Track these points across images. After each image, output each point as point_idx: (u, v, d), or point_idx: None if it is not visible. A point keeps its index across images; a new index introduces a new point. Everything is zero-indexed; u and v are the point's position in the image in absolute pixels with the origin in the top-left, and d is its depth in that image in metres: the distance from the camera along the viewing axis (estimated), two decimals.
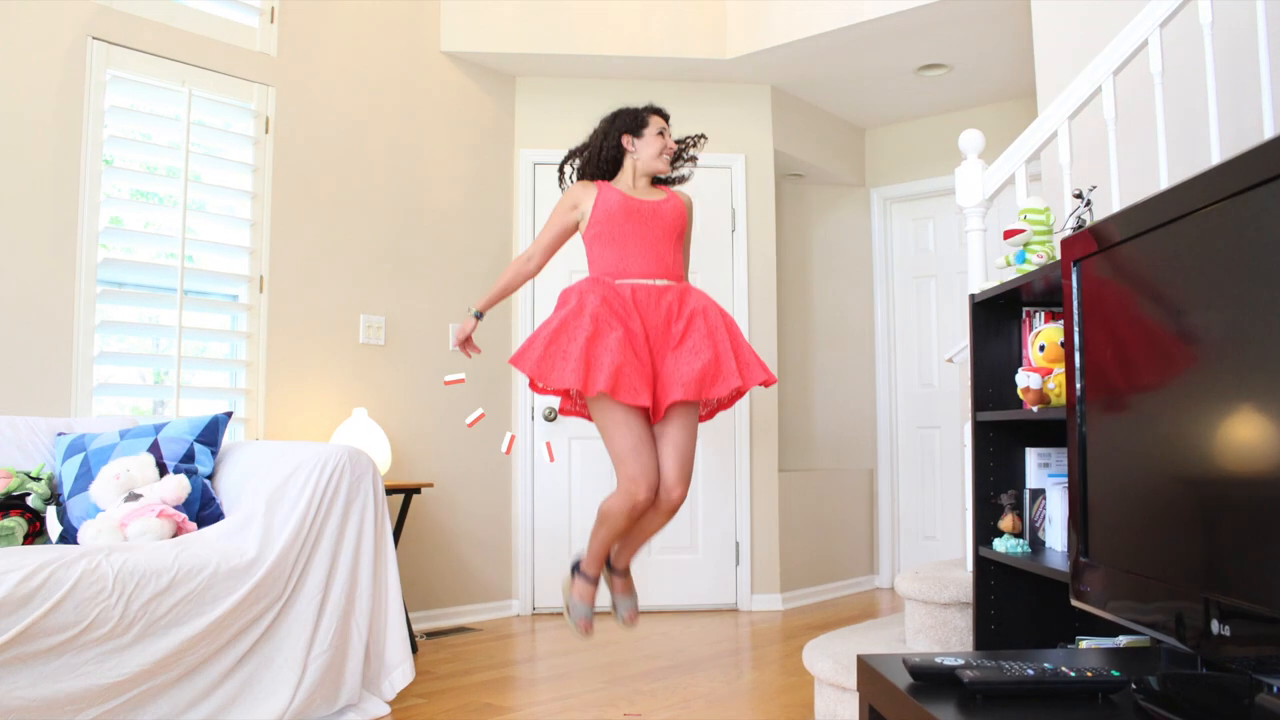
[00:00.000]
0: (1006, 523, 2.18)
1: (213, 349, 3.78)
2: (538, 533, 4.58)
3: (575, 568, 2.98)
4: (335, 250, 4.02)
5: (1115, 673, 1.37)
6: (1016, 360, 2.30)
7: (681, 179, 3.16)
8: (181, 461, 2.83)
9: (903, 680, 1.47)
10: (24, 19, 3.21)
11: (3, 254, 3.13)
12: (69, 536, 2.66)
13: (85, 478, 2.74)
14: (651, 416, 2.81)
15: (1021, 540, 2.15)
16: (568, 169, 3.14)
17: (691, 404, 2.82)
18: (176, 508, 2.68)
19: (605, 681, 3.26)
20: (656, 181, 3.09)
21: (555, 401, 4.29)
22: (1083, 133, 2.93)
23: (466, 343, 3.09)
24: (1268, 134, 2.19)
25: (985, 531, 2.26)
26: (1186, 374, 1.26)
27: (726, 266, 4.78)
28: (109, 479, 2.67)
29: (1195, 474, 1.24)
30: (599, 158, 3.04)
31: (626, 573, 3.02)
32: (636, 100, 3.17)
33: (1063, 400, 1.99)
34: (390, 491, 3.59)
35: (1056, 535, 2.16)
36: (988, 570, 2.24)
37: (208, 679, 2.42)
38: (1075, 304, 1.56)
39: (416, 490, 3.80)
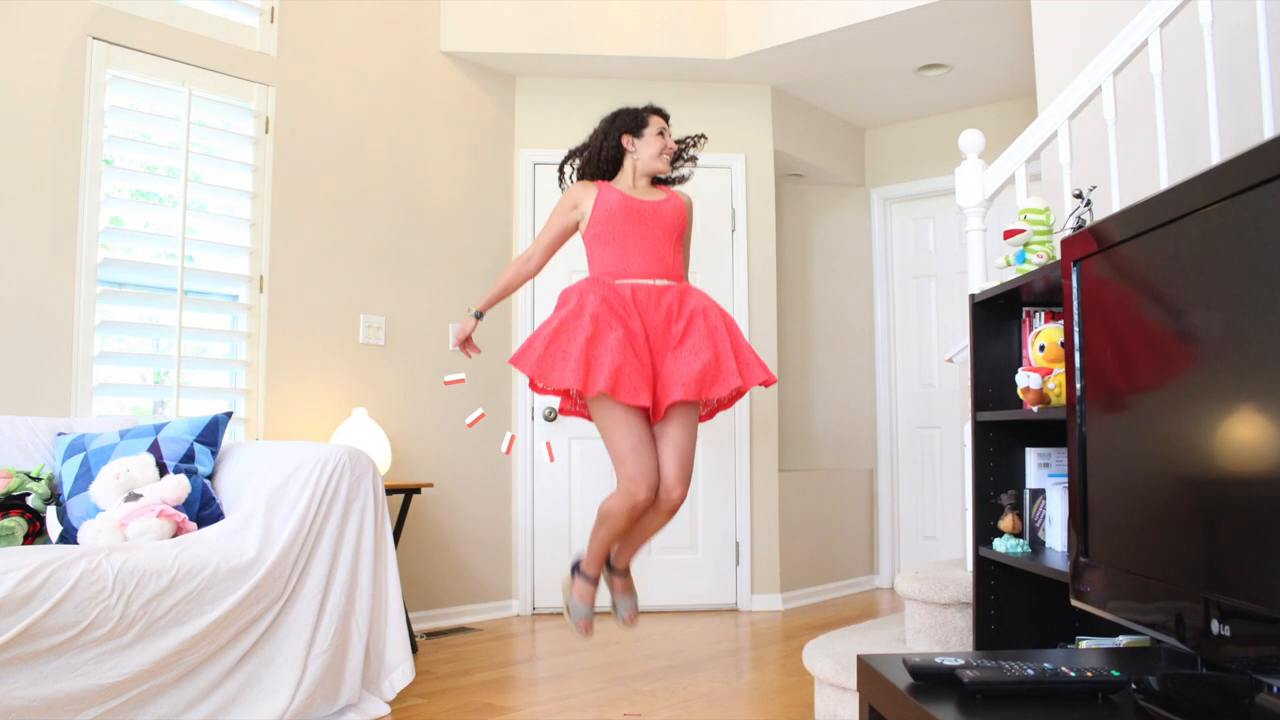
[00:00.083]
0: (1006, 523, 2.18)
1: (213, 349, 3.78)
2: (538, 533, 4.58)
3: (575, 568, 2.99)
4: (335, 250, 4.02)
5: (1115, 673, 1.37)
6: (1016, 360, 2.30)
7: (681, 179, 3.16)
8: (181, 461, 2.83)
9: (903, 680, 1.47)
10: (24, 19, 3.21)
11: (3, 254, 3.13)
12: (69, 536, 2.66)
13: (85, 478, 2.74)
14: (651, 416, 2.81)
15: (1021, 540, 2.15)
16: (568, 169, 3.14)
17: (691, 404, 2.82)
18: (176, 508, 2.68)
19: (605, 681, 3.26)
20: (657, 181, 3.09)
21: (555, 401, 4.30)
22: (1083, 133, 2.93)
23: (466, 343, 3.09)
24: (1268, 134, 2.19)
25: (985, 531, 2.26)
26: (1186, 374, 1.26)
27: (726, 266, 4.78)
28: (109, 479, 2.67)
29: (1195, 474, 1.24)
30: (599, 158, 3.04)
31: (626, 573, 3.02)
32: (636, 100, 3.17)
33: (1063, 400, 1.99)
34: (390, 491, 3.59)
35: (1056, 535, 2.16)
36: (988, 570, 2.24)
37: (208, 679, 2.42)
38: (1075, 304, 1.56)
39: (416, 490, 3.80)
